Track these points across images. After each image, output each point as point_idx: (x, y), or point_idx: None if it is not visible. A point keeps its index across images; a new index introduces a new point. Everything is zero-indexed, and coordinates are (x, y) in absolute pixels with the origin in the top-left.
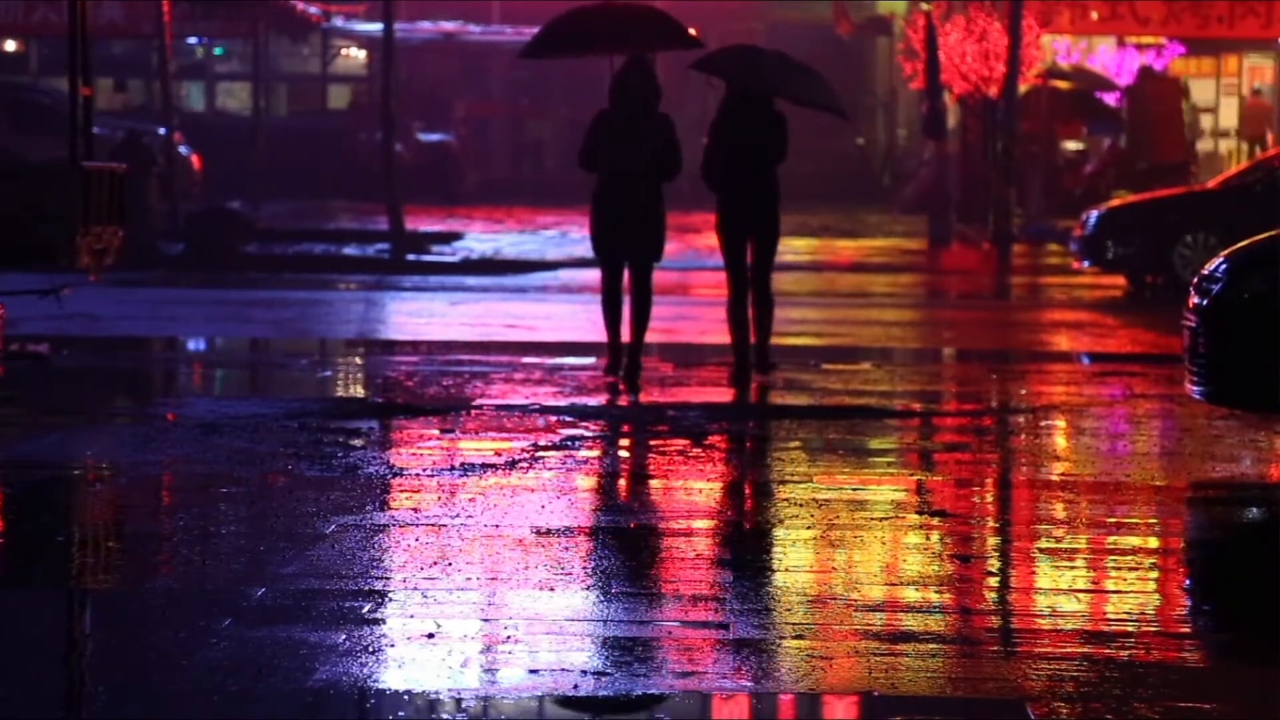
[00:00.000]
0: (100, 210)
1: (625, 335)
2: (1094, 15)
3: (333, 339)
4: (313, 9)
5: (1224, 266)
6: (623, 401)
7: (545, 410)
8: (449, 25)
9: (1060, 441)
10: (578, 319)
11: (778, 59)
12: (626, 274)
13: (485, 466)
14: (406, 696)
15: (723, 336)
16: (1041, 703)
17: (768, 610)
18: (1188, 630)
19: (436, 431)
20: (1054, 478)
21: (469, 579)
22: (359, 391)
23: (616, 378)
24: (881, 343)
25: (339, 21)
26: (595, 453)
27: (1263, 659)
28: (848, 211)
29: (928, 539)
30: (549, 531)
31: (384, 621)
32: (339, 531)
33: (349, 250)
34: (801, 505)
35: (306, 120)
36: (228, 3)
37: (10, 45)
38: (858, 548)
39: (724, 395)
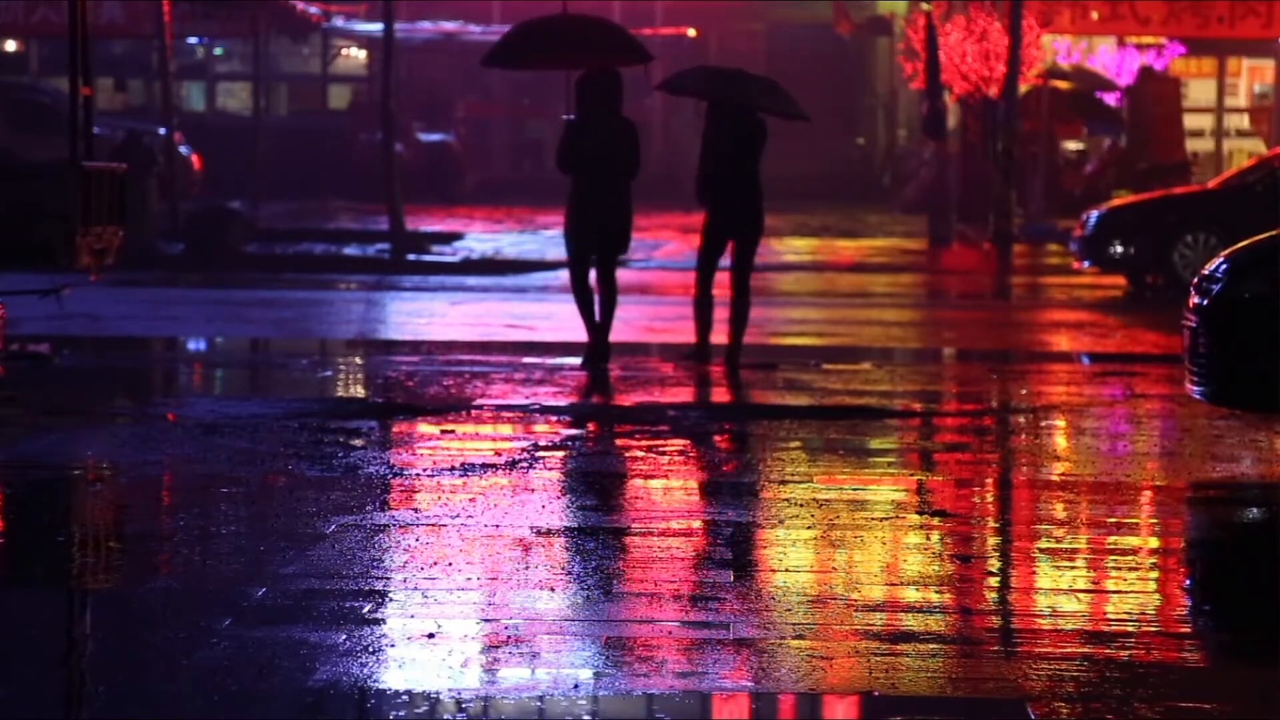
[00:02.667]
0: (100, 210)
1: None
2: (1094, 15)
3: (333, 339)
4: (313, 9)
5: (1224, 266)
6: (625, 401)
7: (545, 410)
8: (449, 25)
9: (1060, 441)
10: (578, 319)
11: (741, 74)
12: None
13: (485, 466)
14: (406, 696)
15: (723, 337)
16: (1042, 703)
17: (768, 610)
18: (1188, 630)
19: (436, 431)
20: (1054, 478)
21: (469, 579)
22: (359, 391)
23: (590, 369)
24: (881, 343)
25: (339, 21)
26: (595, 453)
27: (1263, 659)
28: (848, 211)
29: (928, 539)
30: (549, 531)
31: (384, 621)
32: (339, 531)
33: (349, 250)
34: (801, 505)
35: (306, 120)
36: (228, 3)
37: (10, 45)
38: (858, 548)
39: (724, 395)
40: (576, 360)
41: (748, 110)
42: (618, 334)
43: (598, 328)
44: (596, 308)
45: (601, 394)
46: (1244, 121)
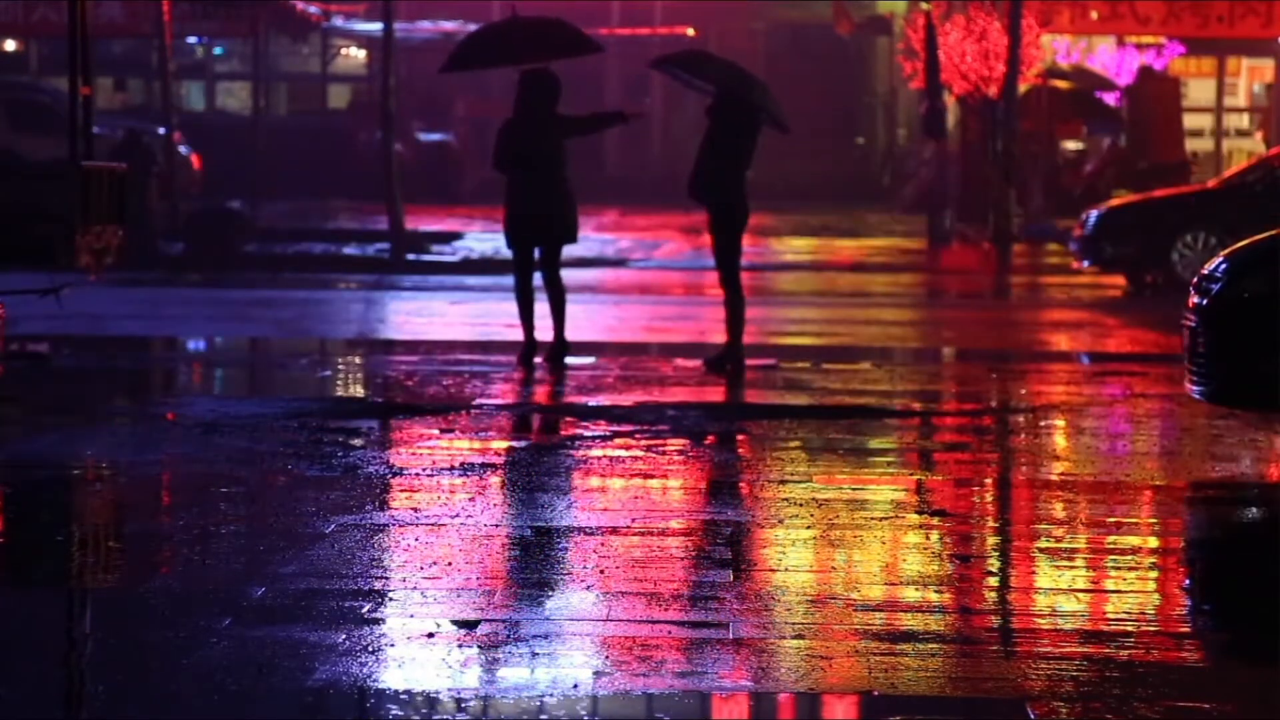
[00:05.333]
0: (100, 210)
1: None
2: (1094, 15)
3: (333, 339)
4: (313, 9)
5: (1224, 266)
6: (625, 401)
7: (545, 410)
8: (449, 25)
9: (1060, 441)
10: (577, 319)
11: (745, 71)
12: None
13: (485, 466)
14: (406, 696)
15: (718, 337)
16: (1041, 702)
17: (768, 610)
18: (1188, 630)
19: (436, 431)
20: (1054, 478)
21: (469, 579)
22: (359, 391)
23: (527, 367)
24: (881, 343)
25: (339, 21)
26: (595, 452)
27: (1263, 659)
28: (848, 211)
29: (928, 539)
30: (549, 531)
31: (384, 621)
32: (339, 531)
33: (349, 250)
34: (801, 505)
35: (306, 120)
36: (228, 2)
37: (10, 45)
38: (858, 548)
39: (723, 395)
40: (576, 360)
41: (755, 111)
42: (617, 333)
43: (555, 328)
44: (547, 308)
45: (601, 394)
46: (1244, 121)
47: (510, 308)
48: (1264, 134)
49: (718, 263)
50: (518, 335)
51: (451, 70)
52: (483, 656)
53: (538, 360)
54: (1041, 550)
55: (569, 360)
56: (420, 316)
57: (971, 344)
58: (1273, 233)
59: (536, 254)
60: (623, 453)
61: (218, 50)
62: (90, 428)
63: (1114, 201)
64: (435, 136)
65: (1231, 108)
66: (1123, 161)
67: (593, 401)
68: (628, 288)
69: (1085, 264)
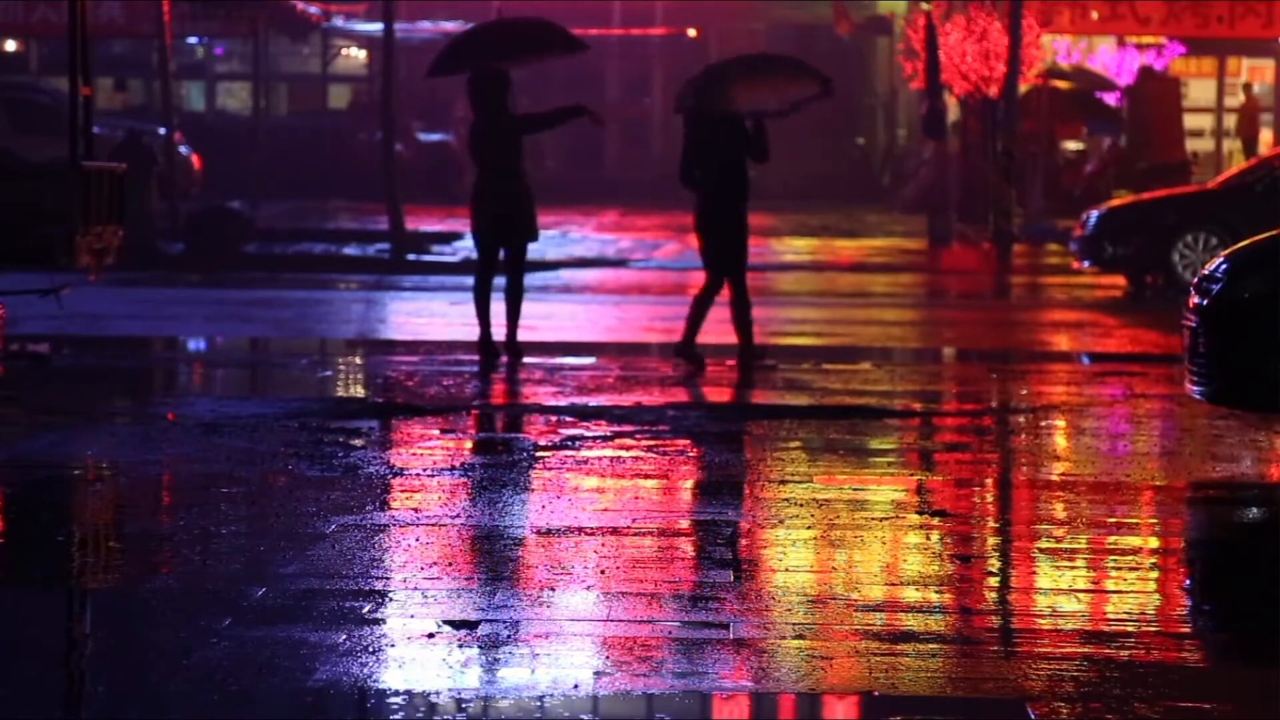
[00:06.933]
0: (100, 210)
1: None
2: (1094, 15)
3: (333, 339)
4: (313, 9)
5: (1224, 266)
6: (625, 401)
7: (545, 410)
8: (449, 25)
9: (1060, 441)
10: (577, 319)
11: (741, 68)
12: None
13: (485, 466)
14: (406, 696)
15: (722, 336)
16: (1041, 702)
17: (768, 610)
18: (1188, 630)
19: (436, 431)
20: (1054, 478)
21: (469, 579)
22: (359, 391)
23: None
24: (881, 343)
25: (339, 21)
26: (595, 453)
27: (1263, 659)
28: (848, 211)
29: (928, 539)
30: (549, 531)
31: (384, 621)
32: (339, 531)
33: (349, 250)
34: (801, 505)
35: (306, 120)
36: (228, 3)
37: (10, 45)
38: (858, 548)
39: (724, 395)
40: (576, 360)
41: (726, 120)
42: (618, 333)
43: (509, 329)
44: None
45: (601, 394)
46: None
47: None
48: (1239, 131)
49: (704, 262)
50: (517, 336)
51: (437, 75)
52: (483, 656)
53: (502, 360)
54: (1042, 550)
55: (526, 360)
56: (420, 317)
57: (972, 344)
58: (1273, 233)
59: (501, 254)
60: (623, 453)
61: (218, 50)
62: (90, 428)
63: (1114, 201)
64: (435, 136)
65: (1231, 108)
66: (1123, 161)
67: (593, 402)
68: (628, 288)
69: (1085, 264)
